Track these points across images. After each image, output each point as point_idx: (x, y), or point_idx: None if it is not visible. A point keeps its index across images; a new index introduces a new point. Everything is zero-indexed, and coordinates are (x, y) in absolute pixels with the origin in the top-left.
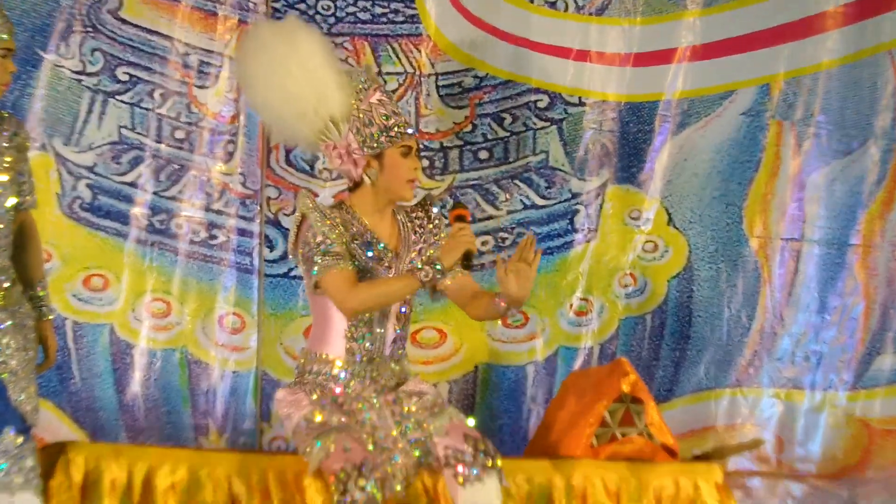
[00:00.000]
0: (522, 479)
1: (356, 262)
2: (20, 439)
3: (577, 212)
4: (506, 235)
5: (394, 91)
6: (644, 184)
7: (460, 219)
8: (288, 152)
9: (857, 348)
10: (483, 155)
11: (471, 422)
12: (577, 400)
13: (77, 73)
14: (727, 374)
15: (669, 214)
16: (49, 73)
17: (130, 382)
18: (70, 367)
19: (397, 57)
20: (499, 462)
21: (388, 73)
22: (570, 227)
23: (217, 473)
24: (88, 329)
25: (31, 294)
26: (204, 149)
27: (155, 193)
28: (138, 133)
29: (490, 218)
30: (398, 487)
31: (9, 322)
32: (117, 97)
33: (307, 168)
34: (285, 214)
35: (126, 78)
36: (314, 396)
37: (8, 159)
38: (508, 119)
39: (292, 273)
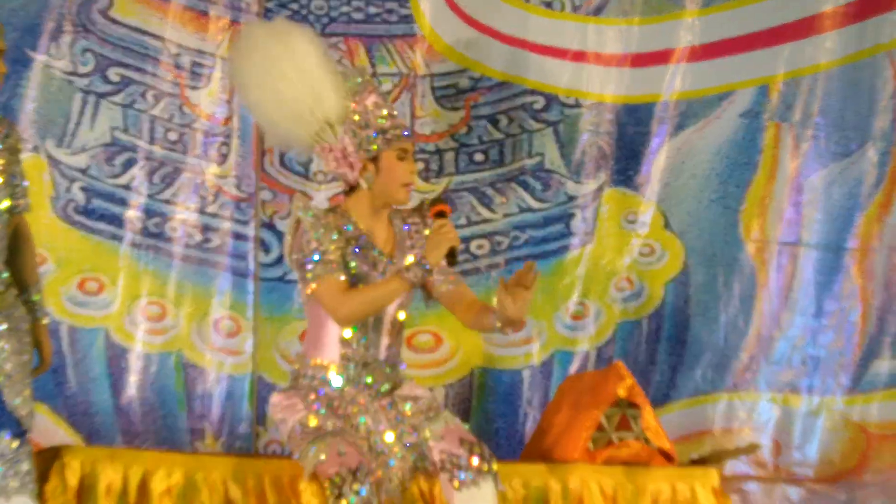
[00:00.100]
0: (519, 483)
1: (350, 268)
2: (16, 443)
3: (573, 215)
4: (501, 239)
5: (388, 92)
6: (641, 187)
7: (440, 214)
8: (282, 155)
9: (855, 352)
10: (479, 157)
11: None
12: (574, 404)
13: (68, 73)
14: (724, 379)
15: (666, 218)
16: (40, 73)
17: (126, 386)
18: (65, 371)
19: (392, 57)
20: (495, 466)
21: (382, 74)
22: (566, 230)
23: (213, 477)
24: (83, 333)
25: (25, 298)
26: (197, 151)
27: (149, 196)
28: (131, 135)
29: (486, 221)
30: (394, 492)
31: (4, 326)
32: (109, 98)
33: (302, 170)
34: (280, 217)
35: (118, 79)
36: (309, 401)
37: (0, 162)
38: (504, 121)
39: (288, 277)
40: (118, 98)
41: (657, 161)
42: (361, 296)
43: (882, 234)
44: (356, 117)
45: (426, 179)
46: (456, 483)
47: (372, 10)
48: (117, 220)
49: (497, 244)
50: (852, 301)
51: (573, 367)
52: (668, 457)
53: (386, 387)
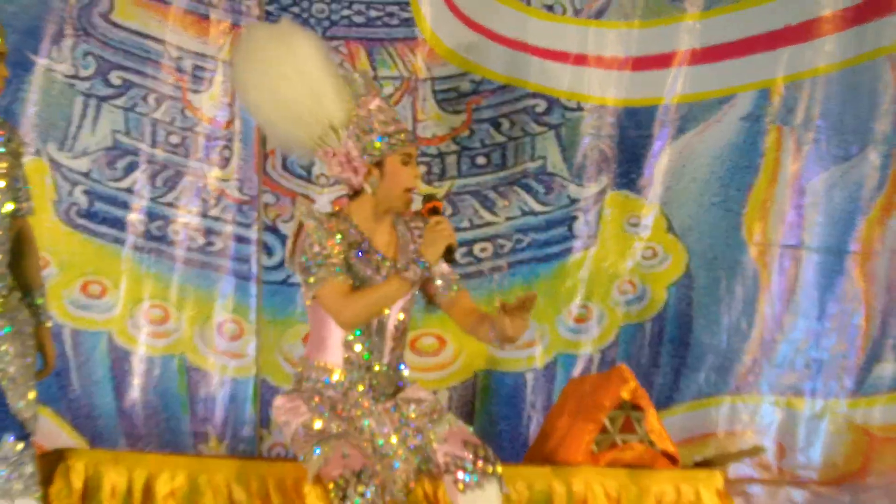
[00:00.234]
0: (523, 485)
1: (353, 272)
2: (19, 446)
3: (575, 218)
4: (504, 242)
5: (389, 96)
6: (643, 190)
7: (434, 211)
8: (285, 158)
9: (858, 355)
10: (481, 161)
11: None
12: (577, 407)
13: (70, 77)
14: (727, 381)
15: (668, 221)
16: (41, 77)
17: (129, 389)
18: (69, 374)
19: (393, 61)
20: (499, 468)
21: (383, 78)
22: (568, 233)
23: (216, 480)
24: (86, 336)
25: (29, 301)
26: (199, 154)
27: (151, 199)
28: (133, 138)
29: (488, 224)
30: (398, 494)
31: (7, 329)
32: (111, 102)
33: (304, 174)
34: (283, 221)
35: (119, 82)
36: (312, 403)
37: (3, 165)
38: (506, 124)
39: (291, 280)
40: (120, 101)
41: (659, 164)
42: (364, 298)
43: (884, 237)
44: (360, 122)
45: (428, 183)
46: (460, 485)
47: (373, 13)
48: (119, 224)
49: (500, 247)
50: (855, 304)
51: (576, 370)
52: (671, 459)
53: (389, 390)
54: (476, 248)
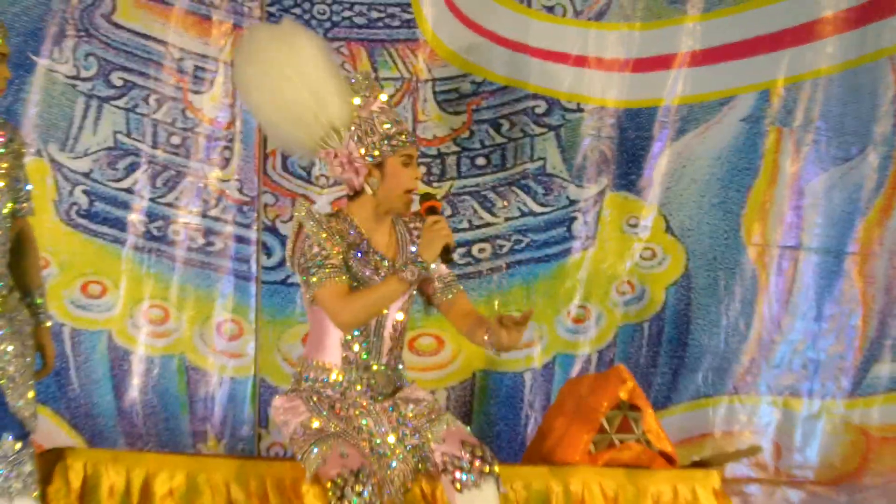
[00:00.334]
0: (520, 485)
1: (352, 273)
2: (18, 445)
3: (574, 219)
4: (503, 242)
5: (391, 97)
6: (642, 191)
7: (432, 210)
8: (285, 159)
9: (855, 356)
10: (481, 161)
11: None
12: (575, 407)
13: (71, 78)
14: (725, 382)
15: (667, 222)
16: (43, 78)
17: (128, 389)
18: (68, 374)
19: (394, 62)
20: (496, 468)
21: (384, 79)
22: (567, 234)
23: (215, 479)
24: (86, 336)
25: (29, 301)
26: (200, 155)
27: (151, 200)
28: (134, 139)
29: (487, 225)
30: (395, 493)
31: (7, 328)
32: (112, 102)
33: (304, 174)
34: (283, 221)
35: (120, 83)
36: (311, 403)
37: (4, 165)
38: (506, 125)
39: (290, 280)
40: (121, 102)
41: (658, 165)
42: (362, 299)
43: (883, 238)
44: (361, 123)
45: (428, 183)
46: (458, 485)
47: (374, 14)
48: (120, 224)
49: (499, 248)
50: (853, 305)
51: (574, 370)
52: (669, 459)
53: (388, 389)
54: (475, 249)
